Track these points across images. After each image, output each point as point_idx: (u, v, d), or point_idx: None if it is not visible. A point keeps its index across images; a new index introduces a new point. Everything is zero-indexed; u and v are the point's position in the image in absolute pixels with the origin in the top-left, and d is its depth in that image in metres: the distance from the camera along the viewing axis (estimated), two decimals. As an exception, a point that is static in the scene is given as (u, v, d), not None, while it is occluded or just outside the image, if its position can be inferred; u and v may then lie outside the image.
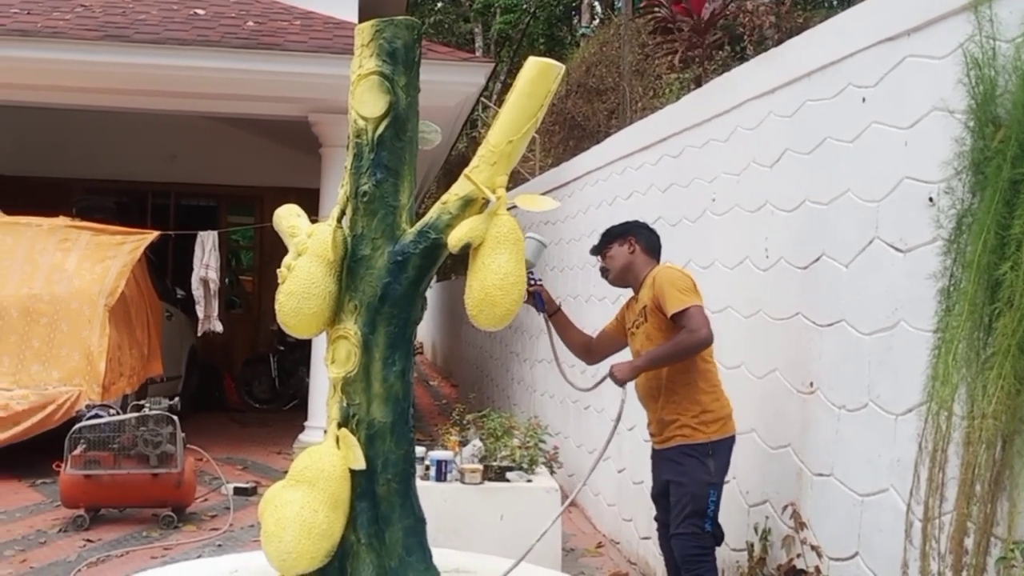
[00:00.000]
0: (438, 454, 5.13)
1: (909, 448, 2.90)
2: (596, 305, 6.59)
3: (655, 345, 3.74)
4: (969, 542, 2.56)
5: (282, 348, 11.40)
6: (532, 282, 3.89)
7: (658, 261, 4.02)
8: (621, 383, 3.67)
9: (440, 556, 3.32)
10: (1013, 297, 2.50)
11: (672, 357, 3.66)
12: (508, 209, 3.21)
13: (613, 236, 4.04)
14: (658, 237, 4.09)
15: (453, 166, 14.46)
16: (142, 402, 6.10)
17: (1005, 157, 2.59)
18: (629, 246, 3.97)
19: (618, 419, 3.58)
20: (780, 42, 4.57)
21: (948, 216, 2.84)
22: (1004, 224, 2.57)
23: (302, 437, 8.18)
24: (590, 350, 4.08)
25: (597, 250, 4.11)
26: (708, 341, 3.62)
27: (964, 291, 2.69)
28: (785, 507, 3.76)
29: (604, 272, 4.09)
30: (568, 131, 14.62)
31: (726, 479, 3.78)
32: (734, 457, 4.20)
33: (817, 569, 3.42)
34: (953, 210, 2.82)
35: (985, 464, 2.55)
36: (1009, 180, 2.57)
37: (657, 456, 3.87)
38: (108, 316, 7.48)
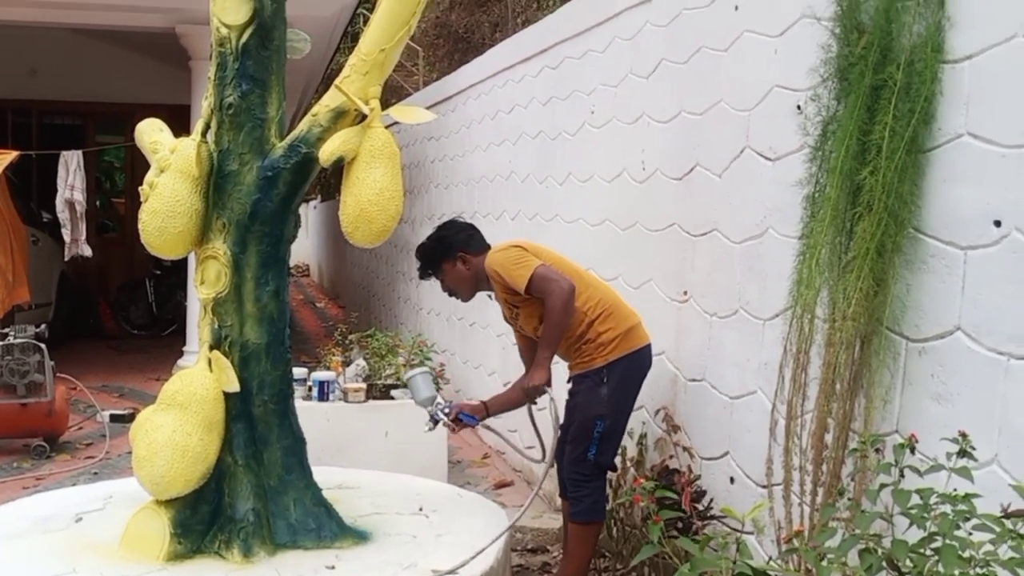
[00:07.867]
0: (320, 375, 5.09)
1: (775, 351, 3.01)
2: (481, 221, 6.56)
3: (541, 320, 3.59)
4: (829, 437, 2.69)
5: (158, 272, 11.03)
6: (446, 412, 3.65)
7: (488, 249, 3.73)
8: (546, 384, 3.50)
9: (322, 473, 3.31)
10: (872, 202, 2.58)
11: (559, 327, 3.50)
12: (388, 127, 3.12)
13: (437, 259, 3.75)
14: (475, 229, 3.82)
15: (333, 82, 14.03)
16: (6, 330, 5.83)
17: (867, 63, 2.64)
18: (462, 263, 3.71)
19: (556, 421, 3.54)
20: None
21: (814, 123, 2.90)
22: (865, 130, 2.63)
23: (181, 362, 8.00)
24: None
25: (426, 275, 3.82)
26: (569, 290, 3.48)
27: (828, 197, 2.76)
28: (658, 411, 3.87)
29: (451, 294, 3.84)
30: (452, 44, 14.35)
31: (636, 399, 3.69)
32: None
33: (689, 468, 3.54)
34: (819, 117, 2.87)
35: (844, 364, 2.66)
36: (871, 86, 2.62)
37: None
38: (-34, 242, 7.09)
